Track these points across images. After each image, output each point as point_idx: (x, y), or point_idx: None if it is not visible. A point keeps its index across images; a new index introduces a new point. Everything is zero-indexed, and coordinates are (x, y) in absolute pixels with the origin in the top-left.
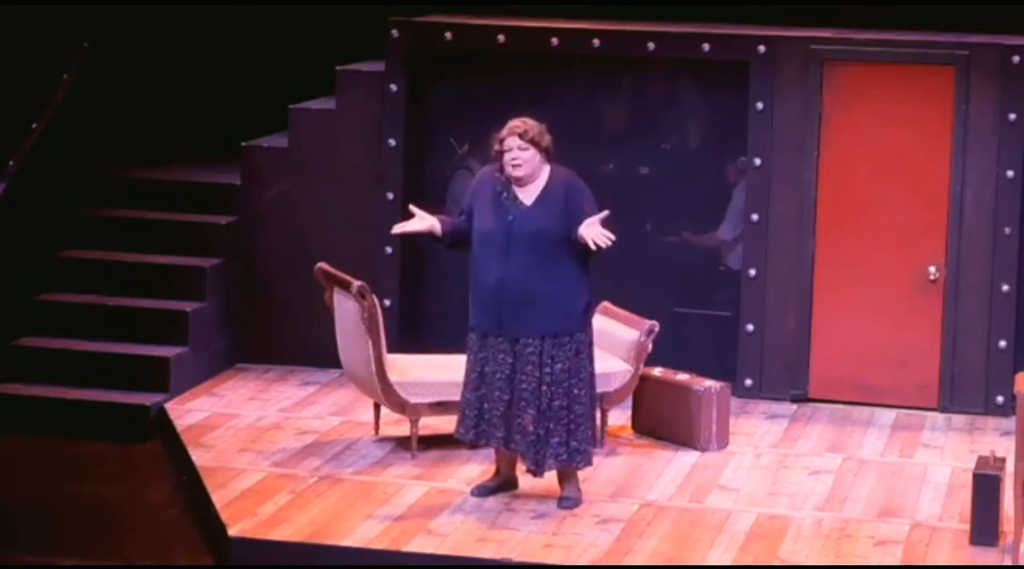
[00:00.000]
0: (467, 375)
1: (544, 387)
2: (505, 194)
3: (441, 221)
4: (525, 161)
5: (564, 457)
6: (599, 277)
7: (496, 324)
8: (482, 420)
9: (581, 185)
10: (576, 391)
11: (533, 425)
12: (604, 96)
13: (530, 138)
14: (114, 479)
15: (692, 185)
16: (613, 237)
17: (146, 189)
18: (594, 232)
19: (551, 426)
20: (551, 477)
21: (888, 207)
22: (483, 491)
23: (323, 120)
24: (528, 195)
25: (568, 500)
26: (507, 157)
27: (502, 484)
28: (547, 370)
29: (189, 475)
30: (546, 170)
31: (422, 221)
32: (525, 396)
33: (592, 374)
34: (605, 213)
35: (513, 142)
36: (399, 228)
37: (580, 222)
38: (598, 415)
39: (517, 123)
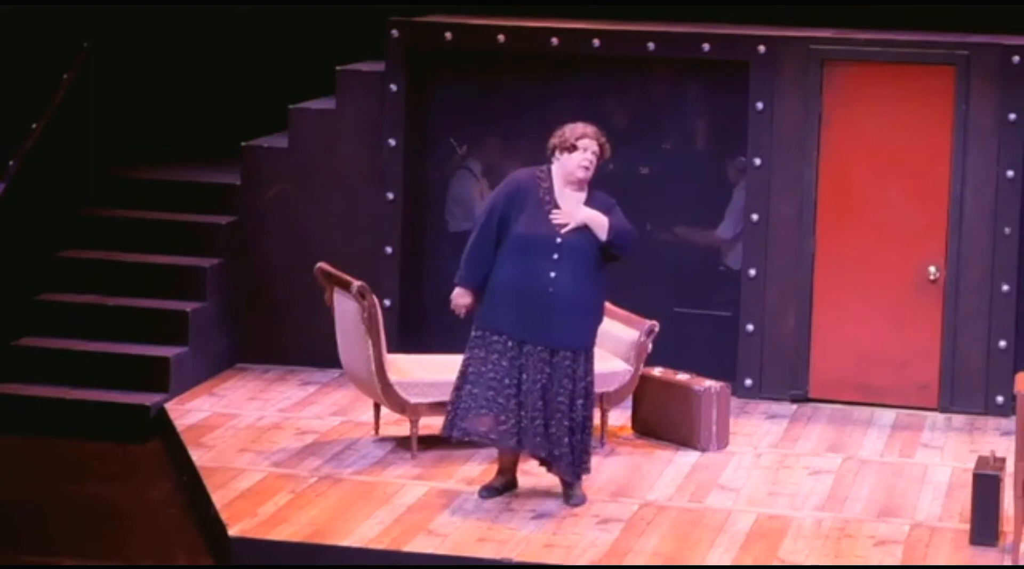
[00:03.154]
0: (464, 371)
1: (575, 399)
2: (548, 199)
3: (472, 290)
4: (592, 167)
5: (581, 465)
6: None
7: (532, 332)
8: (464, 416)
9: (618, 209)
10: (581, 401)
11: (557, 430)
12: (604, 96)
13: (602, 154)
14: (114, 479)
15: (692, 185)
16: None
17: (146, 189)
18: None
19: (579, 436)
20: (551, 477)
21: (888, 207)
22: (492, 492)
23: (323, 120)
24: (573, 206)
25: (577, 497)
26: (581, 155)
27: (506, 484)
28: (581, 384)
29: (189, 475)
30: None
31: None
32: (561, 409)
33: (591, 382)
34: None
35: (592, 145)
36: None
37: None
38: (597, 415)
39: (599, 132)
